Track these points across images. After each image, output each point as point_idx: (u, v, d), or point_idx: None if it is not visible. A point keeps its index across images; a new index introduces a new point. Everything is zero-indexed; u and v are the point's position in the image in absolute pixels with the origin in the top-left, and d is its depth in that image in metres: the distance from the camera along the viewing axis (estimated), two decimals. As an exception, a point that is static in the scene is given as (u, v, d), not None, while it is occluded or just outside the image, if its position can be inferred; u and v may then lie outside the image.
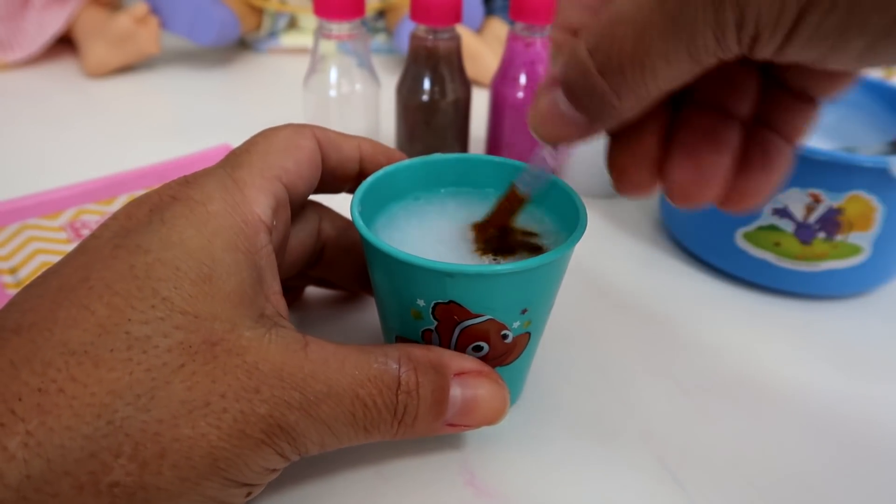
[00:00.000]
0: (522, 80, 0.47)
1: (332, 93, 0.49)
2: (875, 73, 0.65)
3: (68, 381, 0.19)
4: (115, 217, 0.23)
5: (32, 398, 0.19)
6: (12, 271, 0.38)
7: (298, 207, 0.29)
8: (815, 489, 0.28)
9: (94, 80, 0.67)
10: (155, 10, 0.68)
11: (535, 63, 0.46)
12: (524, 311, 0.26)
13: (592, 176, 0.48)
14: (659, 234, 0.45)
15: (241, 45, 0.77)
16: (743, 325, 0.37)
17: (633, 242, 0.44)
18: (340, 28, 0.47)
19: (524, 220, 0.30)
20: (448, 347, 0.26)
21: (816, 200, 0.35)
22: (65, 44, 0.71)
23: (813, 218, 0.36)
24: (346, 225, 0.32)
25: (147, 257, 0.21)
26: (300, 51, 0.76)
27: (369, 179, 0.28)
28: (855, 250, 0.37)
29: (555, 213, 0.29)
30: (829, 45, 0.17)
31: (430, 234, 0.28)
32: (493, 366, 0.27)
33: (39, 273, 0.22)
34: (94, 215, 0.43)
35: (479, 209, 0.30)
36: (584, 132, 0.21)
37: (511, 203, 0.28)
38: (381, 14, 0.76)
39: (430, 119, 0.47)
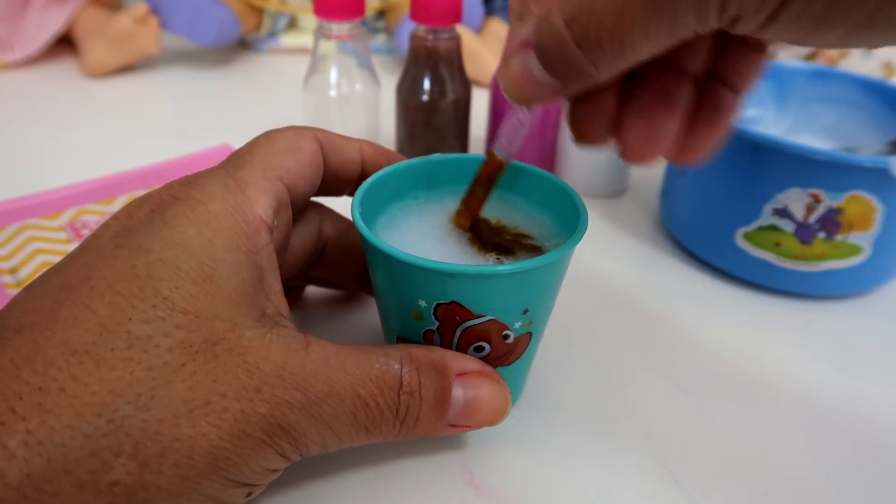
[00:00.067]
0: (522, 80, 0.47)
1: (332, 93, 0.49)
2: (875, 73, 0.65)
3: (69, 380, 0.19)
4: (116, 217, 0.23)
5: (33, 397, 0.19)
6: (12, 271, 0.38)
7: (300, 208, 0.29)
8: (815, 489, 0.28)
9: (94, 80, 0.67)
10: (155, 10, 0.68)
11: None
12: (525, 312, 0.26)
13: (592, 176, 0.48)
14: (659, 234, 0.45)
15: (241, 45, 0.77)
16: (743, 325, 0.37)
17: (633, 242, 0.44)
18: (340, 28, 0.47)
19: (524, 221, 0.30)
20: (449, 348, 0.26)
21: (816, 200, 0.35)
22: (65, 44, 0.71)
23: (813, 218, 0.36)
24: (347, 225, 0.32)
25: (148, 257, 0.21)
26: (300, 51, 0.76)
27: (370, 180, 0.28)
28: (855, 250, 0.37)
29: (555, 213, 0.29)
30: (810, 29, 0.17)
31: (430, 235, 0.28)
32: (495, 366, 0.27)
33: (40, 273, 0.22)
34: (95, 215, 0.43)
35: (480, 209, 0.30)
36: (557, 94, 0.22)
37: (490, 170, 0.28)
38: (381, 14, 0.76)
39: (430, 119, 0.47)
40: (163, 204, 0.23)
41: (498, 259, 0.27)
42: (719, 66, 0.23)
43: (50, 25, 0.68)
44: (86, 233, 0.41)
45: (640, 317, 0.37)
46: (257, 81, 0.69)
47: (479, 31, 0.72)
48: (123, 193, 0.45)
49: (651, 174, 0.52)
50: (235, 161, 0.26)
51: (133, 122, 0.59)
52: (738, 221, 0.38)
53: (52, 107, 0.61)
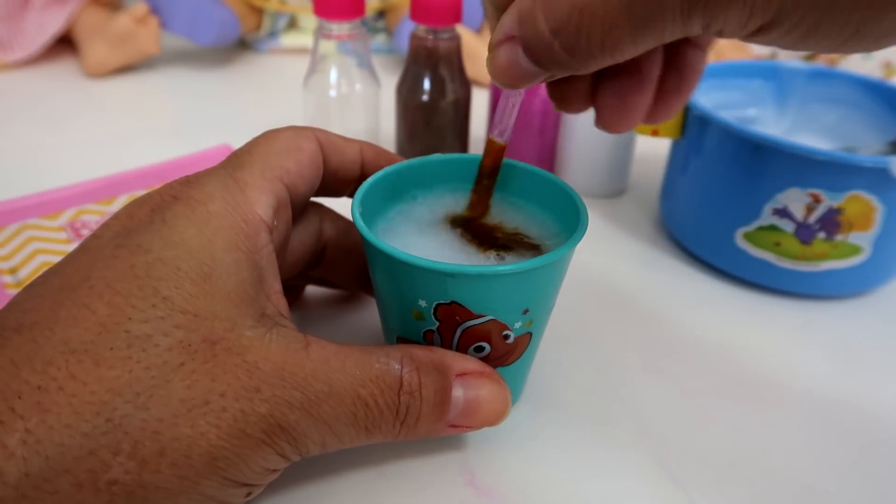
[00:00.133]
0: (522, 80, 0.47)
1: (332, 93, 0.49)
2: (875, 73, 0.65)
3: (68, 380, 0.19)
4: (116, 217, 0.24)
5: (32, 396, 0.19)
6: (12, 271, 0.38)
7: (300, 208, 0.29)
8: (815, 489, 0.28)
9: (94, 80, 0.67)
10: (155, 10, 0.68)
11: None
12: (526, 312, 0.26)
13: (592, 176, 0.48)
14: (659, 234, 0.45)
15: (241, 45, 0.77)
16: (743, 325, 0.37)
17: (633, 242, 0.44)
18: (340, 28, 0.47)
19: (524, 221, 0.30)
20: (450, 348, 0.26)
21: (816, 200, 0.35)
22: (65, 44, 0.71)
23: (813, 218, 0.36)
24: (347, 225, 0.32)
25: (148, 257, 0.21)
26: (300, 51, 0.76)
27: (370, 180, 0.28)
28: (855, 250, 0.37)
29: (555, 213, 0.29)
30: (791, 46, 0.19)
31: (431, 235, 0.28)
32: (495, 366, 0.27)
33: (40, 273, 0.22)
34: (94, 215, 0.43)
35: (480, 209, 0.30)
36: (544, 79, 0.22)
37: (492, 157, 0.28)
38: (381, 14, 0.76)
39: (430, 119, 0.47)
40: (163, 204, 0.23)
41: (498, 257, 0.27)
42: None
43: (50, 25, 0.68)
44: (86, 233, 0.41)
45: (639, 317, 0.37)
46: (257, 81, 0.69)
47: (479, 31, 0.72)
48: (123, 193, 0.45)
49: (651, 174, 0.52)
50: (235, 161, 0.26)
51: (133, 122, 0.59)
52: (738, 221, 0.38)
53: (52, 107, 0.61)
